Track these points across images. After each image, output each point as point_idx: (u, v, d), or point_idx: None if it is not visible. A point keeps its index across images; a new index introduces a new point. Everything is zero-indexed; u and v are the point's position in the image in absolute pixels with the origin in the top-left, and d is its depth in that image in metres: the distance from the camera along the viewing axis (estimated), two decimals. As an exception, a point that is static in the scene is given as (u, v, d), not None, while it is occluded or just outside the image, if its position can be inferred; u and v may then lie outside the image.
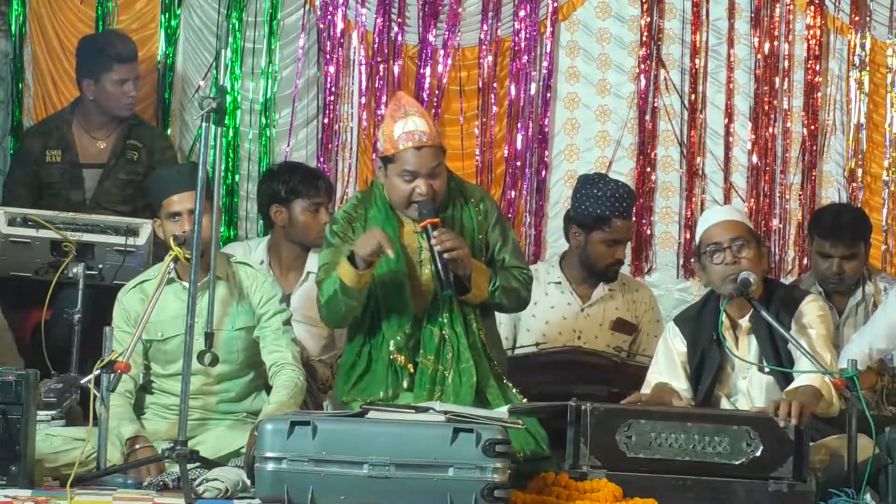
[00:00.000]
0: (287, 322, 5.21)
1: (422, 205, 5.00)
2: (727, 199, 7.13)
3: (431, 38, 7.19)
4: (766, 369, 5.03)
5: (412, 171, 5.00)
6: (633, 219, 6.25)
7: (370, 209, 5.15)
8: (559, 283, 6.23)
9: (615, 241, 6.12)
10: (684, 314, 5.33)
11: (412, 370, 5.05)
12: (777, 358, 5.02)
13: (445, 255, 4.91)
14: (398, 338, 5.05)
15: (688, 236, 7.18)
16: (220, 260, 5.19)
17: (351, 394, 5.10)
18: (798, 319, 5.06)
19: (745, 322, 5.08)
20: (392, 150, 5.02)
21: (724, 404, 5.11)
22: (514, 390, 5.11)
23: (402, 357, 5.04)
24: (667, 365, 5.19)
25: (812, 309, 5.09)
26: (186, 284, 4.93)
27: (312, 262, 6.06)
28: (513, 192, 7.17)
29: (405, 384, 5.04)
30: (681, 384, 5.14)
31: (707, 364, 5.10)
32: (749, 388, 5.09)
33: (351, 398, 5.09)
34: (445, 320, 5.04)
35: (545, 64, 7.20)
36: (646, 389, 5.18)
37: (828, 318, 5.17)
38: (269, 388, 5.22)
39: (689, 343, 5.16)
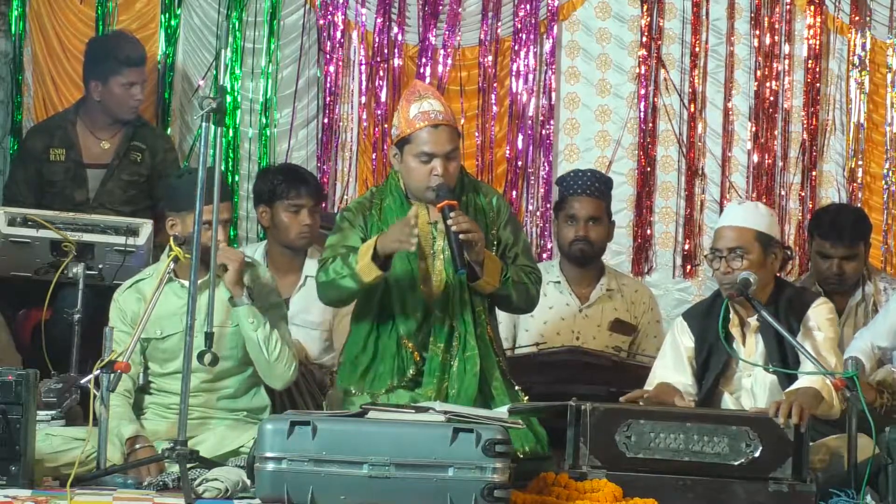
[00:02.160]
0: (284, 317, 5.23)
1: (439, 187, 4.98)
2: (723, 199, 7.13)
3: (431, 38, 7.20)
4: (771, 369, 5.02)
5: (429, 152, 4.99)
6: (600, 199, 6.21)
7: (385, 199, 5.15)
8: (558, 282, 6.24)
9: (571, 217, 6.15)
10: (693, 310, 5.32)
11: (418, 359, 5.05)
12: (783, 358, 5.02)
13: (461, 237, 4.91)
14: (410, 323, 5.06)
15: (687, 236, 7.18)
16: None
17: (357, 384, 5.10)
18: (806, 322, 5.05)
19: (753, 321, 5.08)
20: (408, 129, 5.02)
21: (727, 400, 5.10)
22: (517, 388, 5.13)
23: (412, 344, 5.05)
24: (674, 359, 5.18)
25: (822, 312, 5.08)
26: (185, 282, 4.93)
27: (310, 266, 6.05)
28: (514, 192, 7.17)
29: (410, 373, 5.05)
30: (686, 379, 5.14)
31: (713, 360, 5.10)
32: (753, 387, 5.09)
33: (357, 388, 5.09)
34: (455, 309, 5.05)
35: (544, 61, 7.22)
36: (650, 385, 5.17)
37: (836, 322, 5.16)
38: (268, 387, 5.23)
39: (697, 339, 5.15)
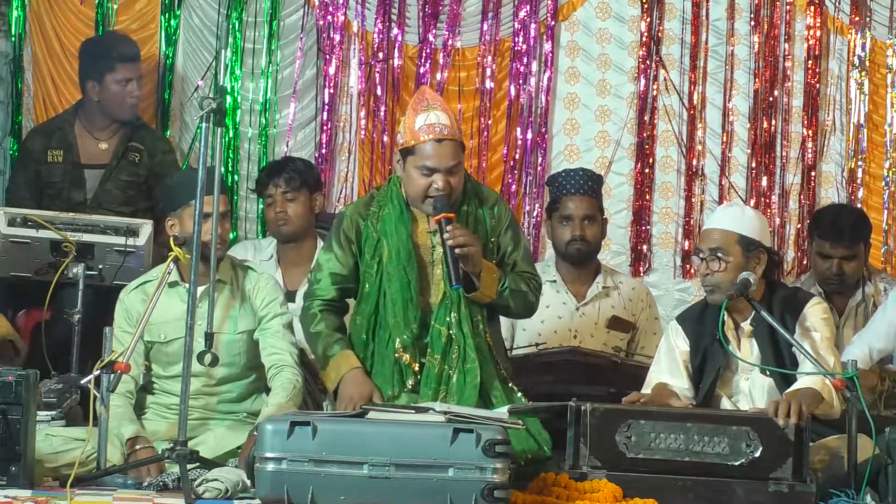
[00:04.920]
0: (287, 325, 5.22)
1: (437, 199, 4.99)
2: (722, 200, 7.13)
3: (431, 39, 7.20)
4: (768, 371, 5.02)
5: (431, 166, 4.99)
6: (593, 197, 6.22)
7: (385, 206, 5.15)
8: (554, 281, 6.24)
9: (566, 217, 6.15)
10: (687, 313, 5.32)
11: (417, 369, 5.04)
12: (779, 361, 5.02)
13: (457, 251, 4.91)
14: (405, 336, 5.05)
15: (687, 236, 7.19)
16: (224, 263, 5.20)
17: None
18: (802, 322, 5.05)
19: (746, 325, 5.08)
20: (413, 141, 5.02)
21: (725, 404, 5.10)
22: (519, 394, 5.11)
23: (408, 356, 5.04)
24: (668, 364, 5.19)
25: (816, 312, 5.09)
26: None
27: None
28: (512, 194, 7.17)
29: (409, 384, 5.04)
30: (682, 383, 5.14)
31: (709, 363, 5.10)
32: (751, 390, 5.09)
33: None
34: (453, 320, 5.04)
35: (544, 61, 7.22)
36: (647, 388, 5.17)
37: (831, 322, 5.16)
38: (269, 390, 5.22)
39: (692, 342, 5.16)
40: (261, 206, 6.97)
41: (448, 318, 5.04)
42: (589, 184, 6.22)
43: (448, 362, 5.01)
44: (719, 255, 5.02)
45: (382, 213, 5.14)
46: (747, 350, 5.10)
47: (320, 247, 6.12)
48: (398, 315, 5.06)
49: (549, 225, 6.31)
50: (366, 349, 5.12)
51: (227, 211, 5.25)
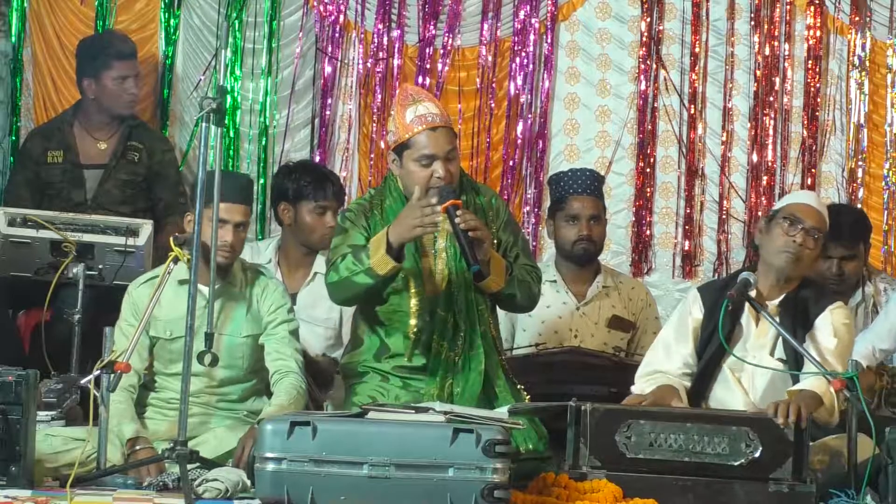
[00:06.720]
0: (294, 332, 5.21)
1: (441, 188, 4.97)
2: (722, 200, 7.13)
3: (431, 38, 7.19)
4: (764, 366, 5.00)
5: (429, 154, 4.99)
6: (598, 197, 6.23)
7: (386, 199, 5.15)
8: (554, 281, 6.24)
9: (572, 217, 6.15)
10: (710, 284, 5.35)
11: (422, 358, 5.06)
12: (793, 347, 4.99)
13: (470, 234, 4.91)
14: (412, 323, 5.05)
15: (687, 237, 7.19)
16: (234, 266, 5.20)
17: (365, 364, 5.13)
18: (821, 323, 5.03)
19: (773, 305, 5.06)
20: (406, 134, 5.02)
21: (728, 376, 5.05)
22: (520, 387, 5.14)
23: (415, 343, 5.05)
24: (678, 327, 5.14)
25: (838, 316, 5.04)
26: (201, 287, 4.83)
27: (320, 262, 6.06)
28: (512, 194, 7.17)
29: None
30: (685, 349, 5.08)
31: (717, 336, 5.07)
32: (754, 370, 5.05)
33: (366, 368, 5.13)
34: (460, 308, 5.05)
35: (544, 61, 7.22)
36: (653, 349, 5.17)
37: (851, 329, 5.12)
38: (270, 393, 5.22)
39: (707, 310, 5.12)
40: (260, 208, 6.98)
41: (454, 306, 5.05)
42: (595, 184, 6.23)
43: (454, 349, 5.02)
44: (816, 236, 5.07)
45: (384, 205, 5.15)
46: (765, 328, 5.06)
47: (319, 252, 6.14)
48: (405, 304, 5.06)
49: (550, 225, 6.30)
50: (371, 339, 5.12)
51: (246, 222, 5.26)
